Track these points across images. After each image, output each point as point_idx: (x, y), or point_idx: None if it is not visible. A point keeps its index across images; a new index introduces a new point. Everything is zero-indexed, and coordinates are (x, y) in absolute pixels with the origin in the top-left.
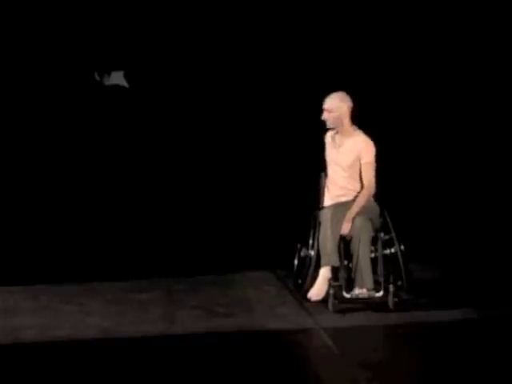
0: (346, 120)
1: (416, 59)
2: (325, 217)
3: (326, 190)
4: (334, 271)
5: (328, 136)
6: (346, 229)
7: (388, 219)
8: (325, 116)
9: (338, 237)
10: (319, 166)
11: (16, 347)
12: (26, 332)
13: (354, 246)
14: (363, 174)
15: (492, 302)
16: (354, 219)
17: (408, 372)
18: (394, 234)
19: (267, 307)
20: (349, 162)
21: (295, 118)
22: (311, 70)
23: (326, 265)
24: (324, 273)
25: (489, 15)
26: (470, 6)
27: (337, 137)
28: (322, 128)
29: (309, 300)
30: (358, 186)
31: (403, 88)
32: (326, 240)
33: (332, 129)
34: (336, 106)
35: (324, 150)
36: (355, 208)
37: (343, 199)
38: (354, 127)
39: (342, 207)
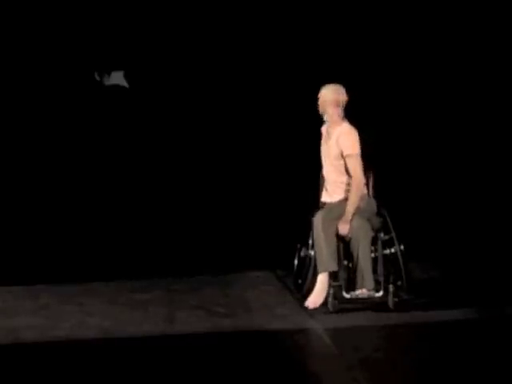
0: (331, 110)
1: (414, 58)
2: (315, 223)
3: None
4: (333, 273)
5: (323, 130)
6: (344, 231)
7: (388, 219)
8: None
9: (333, 240)
10: (319, 166)
11: (16, 347)
12: (26, 332)
13: (353, 246)
14: (347, 167)
15: (492, 301)
16: (351, 220)
17: (408, 372)
18: (393, 234)
19: (267, 307)
20: (333, 154)
21: (295, 118)
22: (310, 70)
23: (323, 271)
24: (322, 279)
25: (489, 15)
26: (470, 5)
27: (329, 130)
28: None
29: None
30: (345, 180)
31: (403, 88)
32: (321, 247)
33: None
34: (320, 94)
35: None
36: (350, 208)
37: (335, 195)
38: (343, 119)
39: (332, 209)
